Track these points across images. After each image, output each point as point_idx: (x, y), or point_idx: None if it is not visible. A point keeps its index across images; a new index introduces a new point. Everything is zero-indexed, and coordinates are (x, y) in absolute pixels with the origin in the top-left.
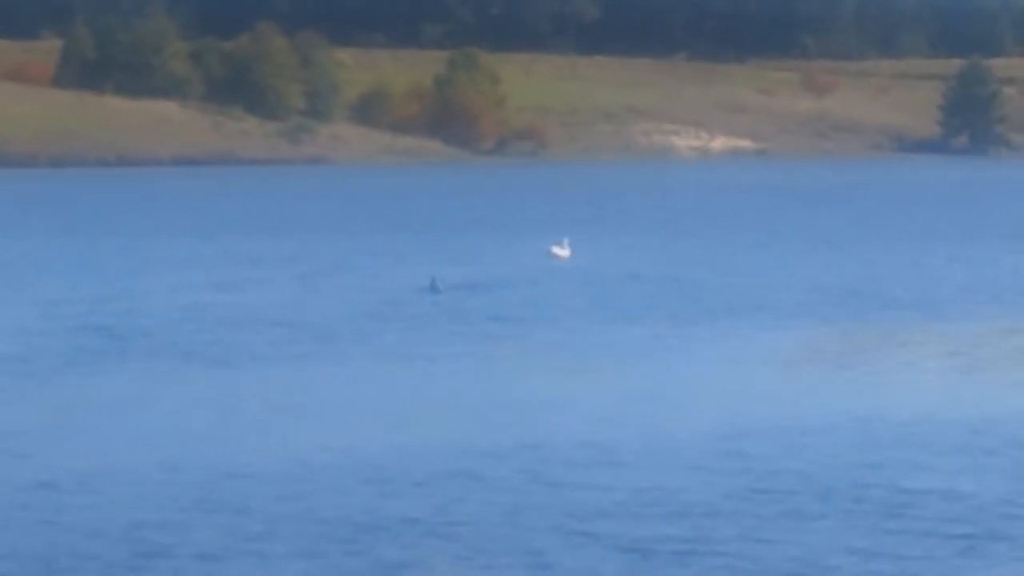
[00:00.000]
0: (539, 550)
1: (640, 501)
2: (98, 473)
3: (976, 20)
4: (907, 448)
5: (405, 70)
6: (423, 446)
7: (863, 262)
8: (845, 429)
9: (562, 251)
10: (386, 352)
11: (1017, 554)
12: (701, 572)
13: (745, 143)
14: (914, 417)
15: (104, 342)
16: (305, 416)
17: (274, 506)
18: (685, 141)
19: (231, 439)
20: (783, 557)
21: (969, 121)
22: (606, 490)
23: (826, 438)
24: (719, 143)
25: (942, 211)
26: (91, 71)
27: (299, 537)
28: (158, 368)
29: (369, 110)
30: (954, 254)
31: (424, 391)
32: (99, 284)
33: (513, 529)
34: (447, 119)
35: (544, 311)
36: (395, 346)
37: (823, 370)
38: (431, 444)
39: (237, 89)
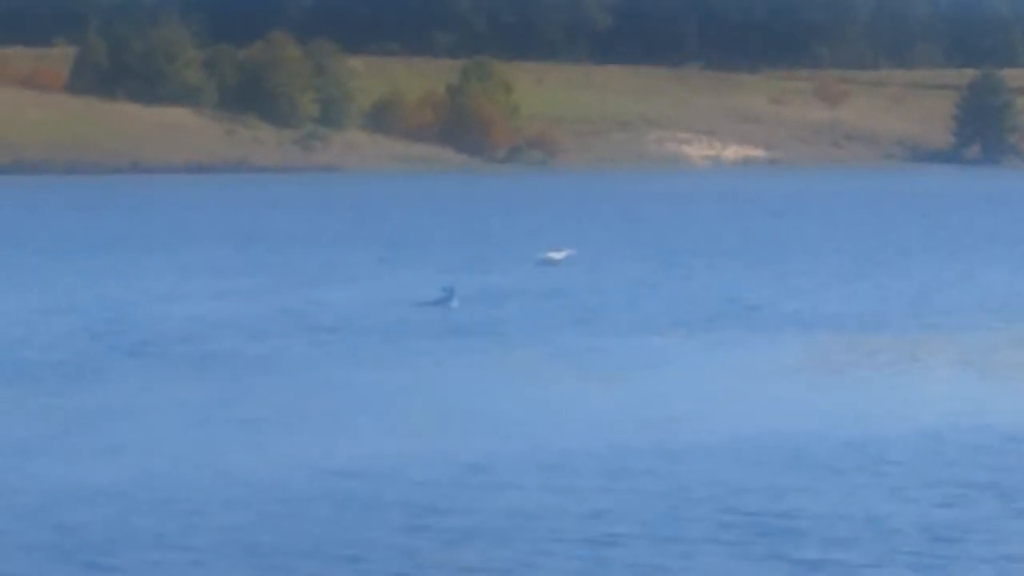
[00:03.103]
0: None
1: (508, 525)
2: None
3: (989, 30)
4: (799, 470)
5: (418, 78)
6: (334, 464)
7: (839, 278)
8: (743, 448)
9: (557, 255)
10: (356, 364)
11: None
12: None
13: (757, 152)
14: (813, 436)
15: (79, 353)
16: (259, 430)
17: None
18: (697, 150)
19: (171, 453)
20: None
21: (982, 131)
22: (475, 513)
23: (727, 457)
24: (731, 152)
25: (942, 222)
26: (105, 78)
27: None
28: (120, 378)
29: (382, 118)
30: (937, 268)
31: (367, 404)
32: (71, 295)
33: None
34: (460, 127)
35: (517, 322)
36: (367, 358)
37: (762, 388)
38: (335, 462)
39: (250, 97)
